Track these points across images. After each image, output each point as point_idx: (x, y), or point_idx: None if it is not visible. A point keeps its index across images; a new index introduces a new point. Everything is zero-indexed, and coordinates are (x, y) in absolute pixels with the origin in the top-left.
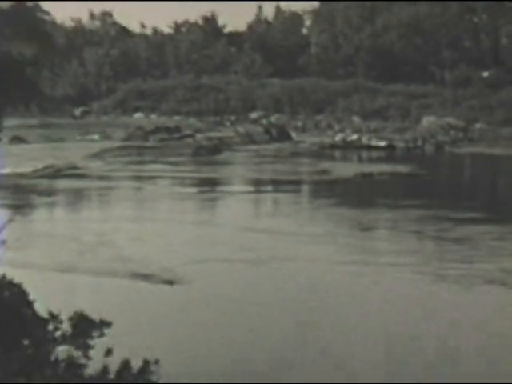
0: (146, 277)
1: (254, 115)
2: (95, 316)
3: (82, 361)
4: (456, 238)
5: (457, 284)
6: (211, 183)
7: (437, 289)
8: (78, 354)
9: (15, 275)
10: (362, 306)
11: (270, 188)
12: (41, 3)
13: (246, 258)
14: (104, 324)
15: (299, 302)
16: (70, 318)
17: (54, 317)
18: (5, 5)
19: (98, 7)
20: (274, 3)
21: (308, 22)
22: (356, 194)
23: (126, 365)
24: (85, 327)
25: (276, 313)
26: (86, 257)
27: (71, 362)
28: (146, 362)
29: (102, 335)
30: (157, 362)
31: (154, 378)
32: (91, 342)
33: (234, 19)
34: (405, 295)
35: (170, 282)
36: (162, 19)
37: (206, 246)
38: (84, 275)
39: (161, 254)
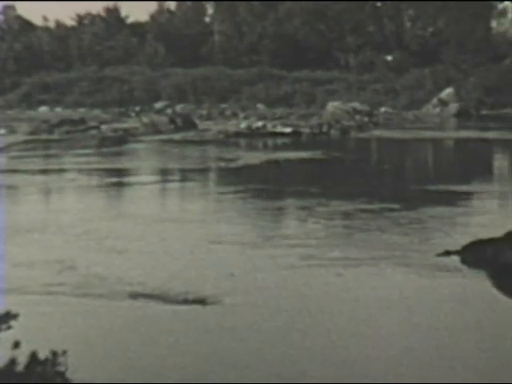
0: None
1: (158, 105)
2: None
3: None
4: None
5: None
6: (118, 174)
7: None
8: None
9: None
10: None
11: (176, 177)
12: None
13: None
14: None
15: None
16: None
17: None
18: None
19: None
20: None
21: (211, 11)
22: (263, 181)
23: None
24: None
25: None
26: None
27: None
28: None
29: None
30: None
31: None
32: None
33: (137, 10)
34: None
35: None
36: (64, 12)
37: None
38: None
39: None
